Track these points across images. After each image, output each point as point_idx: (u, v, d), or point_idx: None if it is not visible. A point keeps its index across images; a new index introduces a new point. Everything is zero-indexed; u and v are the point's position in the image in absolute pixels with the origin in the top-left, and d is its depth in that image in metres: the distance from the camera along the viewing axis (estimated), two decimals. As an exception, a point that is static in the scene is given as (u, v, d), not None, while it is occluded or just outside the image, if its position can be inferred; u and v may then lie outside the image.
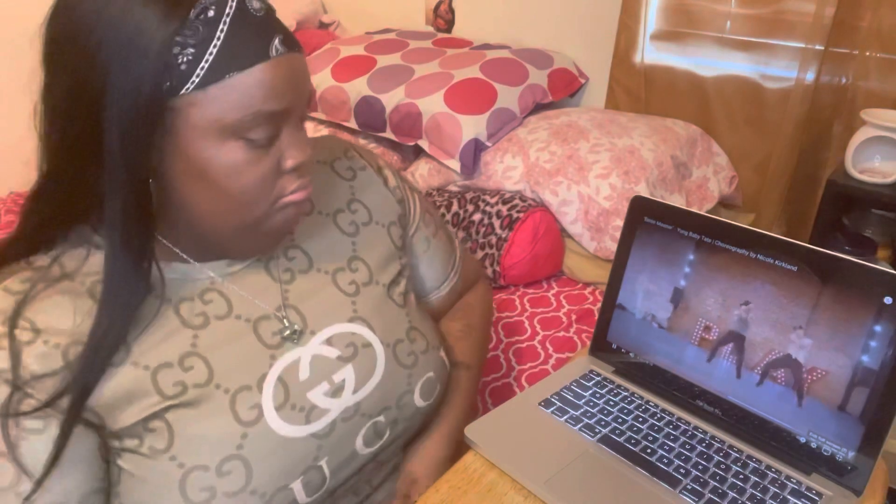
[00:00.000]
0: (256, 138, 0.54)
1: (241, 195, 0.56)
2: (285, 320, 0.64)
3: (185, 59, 0.50)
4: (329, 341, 0.66)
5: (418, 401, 0.70)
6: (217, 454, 0.57)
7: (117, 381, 0.56)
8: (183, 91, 0.51)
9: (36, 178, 0.57)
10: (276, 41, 0.54)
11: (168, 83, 0.50)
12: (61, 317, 0.55)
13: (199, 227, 0.59)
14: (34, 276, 0.56)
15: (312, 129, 1.73)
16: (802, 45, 1.38)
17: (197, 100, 0.51)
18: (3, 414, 0.53)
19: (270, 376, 0.61)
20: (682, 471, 0.63)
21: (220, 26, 0.51)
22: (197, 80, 0.51)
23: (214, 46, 0.51)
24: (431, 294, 0.84)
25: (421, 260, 0.81)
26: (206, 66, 0.51)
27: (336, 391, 0.64)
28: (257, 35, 0.53)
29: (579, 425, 0.69)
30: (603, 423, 0.69)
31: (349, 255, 0.71)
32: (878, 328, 0.59)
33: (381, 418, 0.67)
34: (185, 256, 0.62)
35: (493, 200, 1.34)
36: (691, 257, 0.70)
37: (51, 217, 0.57)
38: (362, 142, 1.66)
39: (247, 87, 0.52)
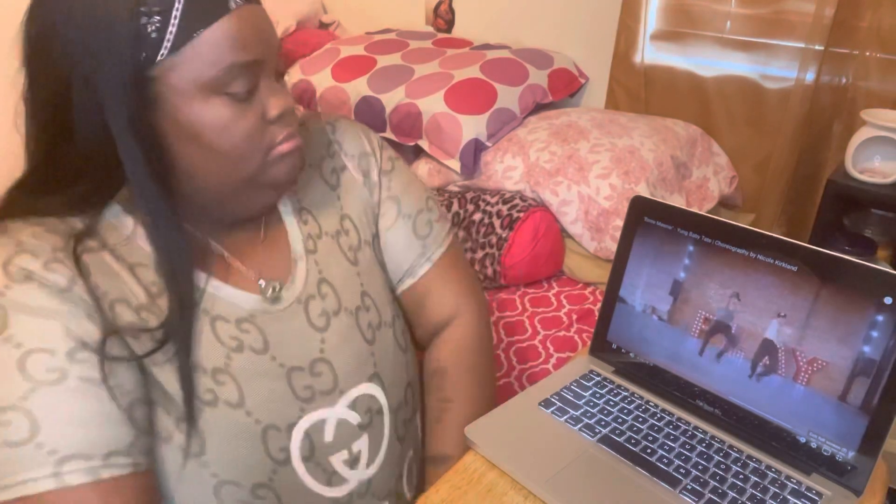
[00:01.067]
0: (237, 91, 0.56)
1: (234, 149, 0.57)
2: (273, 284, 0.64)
3: (153, 27, 0.52)
4: (353, 405, 0.65)
5: (406, 490, 0.70)
6: (251, 478, 0.57)
7: (154, 355, 0.56)
8: (159, 58, 0.53)
9: (24, 171, 0.58)
10: None
11: (144, 54, 0.52)
12: (107, 272, 0.56)
13: (203, 193, 0.59)
14: (74, 233, 0.56)
15: (312, 129, 1.73)
16: (802, 45, 1.38)
17: (174, 63, 0.53)
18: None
19: (299, 427, 0.61)
20: (682, 471, 0.63)
21: None
22: (169, 45, 0.53)
23: (177, 9, 0.53)
24: (406, 279, 0.77)
25: (386, 241, 0.76)
26: (174, 29, 0.52)
27: (353, 461, 0.64)
28: None
29: (579, 425, 0.69)
30: (603, 423, 0.69)
31: (360, 289, 0.70)
32: (877, 328, 0.59)
33: (386, 502, 0.67)
34: (241, 269, 0.63)
35: (493, 200, 1.34)
36: (691, 258, 0.70)
37: (73, 187, 0.58)
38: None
39: (216, 42, 0.54)
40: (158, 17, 0.52)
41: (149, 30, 0.52)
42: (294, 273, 0.67)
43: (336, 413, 0.64)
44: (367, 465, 0.65)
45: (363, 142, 0.78)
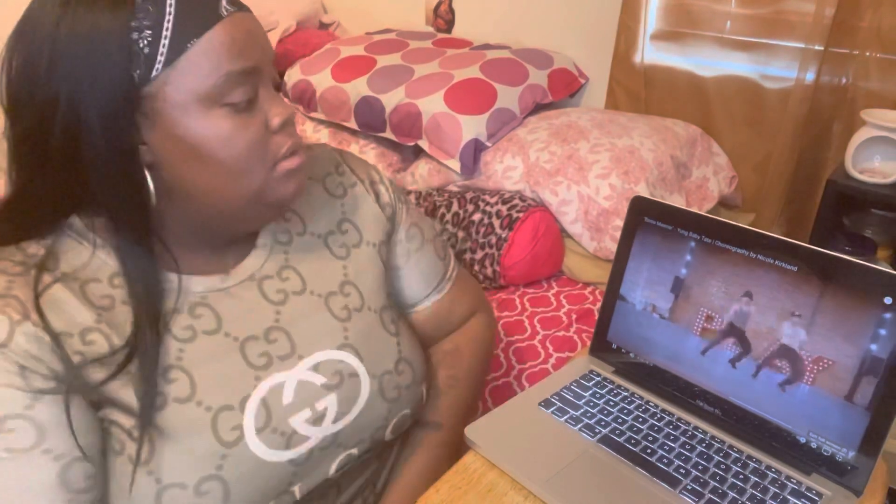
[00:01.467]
0: (236, 101, 0.55)
1: (238, 163, 0.56)
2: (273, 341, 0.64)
3: (145, 41, 0.51)
4: (316, 368, 0.65)
5: (388, 435, 0.71)
6: (196, 473, 0.57)
7: (100, 377, 0.55)
8: (154, 73, 0.52)
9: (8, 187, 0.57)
10: (224, 1, 0.55)
11: (138, 71, 0.51)
12: (56, 307, 0.55)
13: (204, 212, 0.59)
14: (28, 261, 0.56)
15: (312, 129, 1.73)
16: (802, 46, 1.38)
17: (169, 78, 0.52)
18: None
19: (254, 398, 0.61)
20: (682, 471, 0.63)
21: (168, 0, 0.52)
22: (163, 59, 0.52)
23: (168, 21, 0.52)
24: (408, 309, 0.82)
25: (398, 272, 0.79)
26: (167, 42, 0.52)
27: (317, 419, 0.64)
28: (203, 1, 0.54)
29: (579, 425, 0.69)
30: (603, 423, 0.69)
31: (341, 279, 0.71)
32: (877, 328, 0.59)
33: (355, 450, 0.68)
34: (178, 265, 0.62)
35: (493, 200, 1.34)
36: (691, 257, 0.70)
37: (39, 212, 0.57)
38: (362, 142, 1.66)
39: (210, 51, 0.53)
40: (150, 32, 0.51)
41: (141, 45, 0.51)
42: (250, 255, 0.67)
43: (296, 375, 0.64)
44: (335, 421, 0.65)
45: (373, 172, 0.79)
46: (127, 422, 0.56)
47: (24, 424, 0.52)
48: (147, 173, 0.55)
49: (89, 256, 0.58)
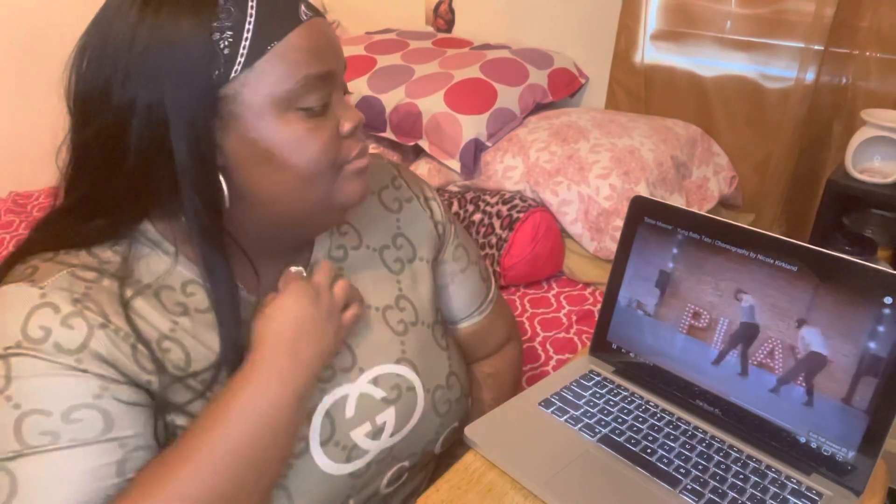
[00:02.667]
0: (311, 106, 0.55)
1: (308, 166, 0.56)
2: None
3: (226, 42, 0.51)
4: (376, 381, 0.66)
5: (438, 448, 0.71)
6: None
7: (175, 388, 0.55)
8: (233, 74, 0.52)
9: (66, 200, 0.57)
10: (303, 6, 0.56)
11: (217, 71, 0.51)
12: (134, 314, 0.54)
13: (271, 217, 0.59)
14: (103, 267, 0.55)
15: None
16: (802, 45, 1.38)
17: (248, 80, 0.52)
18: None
19: (319, 410, 0.62)
20: (682, 471, 0.63)
21: (250, 2, 0.52)
22: (242, 60, 0.52)
23: (249, 23, 0.52)
24: (449, 326, 0.82)
25: (444, 291, 0.80)
26: (248, 43, 0.52)
27: (377, 433, 0.64)
28: (284, 3, 0.54)
29: (579, 425, 0.69)
30: (603, 423, 0.69)
31: (396, 293, 0.71)
32: (877, 328, 0.59)
33: (406, 463, 0.68)
34: (257, 274, 0.62)
35: (493, 200, 1.34)
36: (690, 259, 0.70)
37: (113, 215, 0.57)
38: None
39: (290, 54, 0.53)
40: (231, 33, 0.51)
41: (221, 46, 0.51)
42: (309, 264, 0.67)
43: (357, 388, 0.64)
44: (392, 435, 0.66)
45: (426, 188, 0.80)
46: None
47: (93, 414, 0.50)
48: (220, 177, 0.55)
49: (166, 265, 0.58)
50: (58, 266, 0.54)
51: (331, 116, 0.58)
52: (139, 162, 0.53)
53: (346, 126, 0.58)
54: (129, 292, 0.55)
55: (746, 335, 0.67)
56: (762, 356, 0.66)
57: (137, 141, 0.52)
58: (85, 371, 0.51)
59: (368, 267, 0.71)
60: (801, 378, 0.63)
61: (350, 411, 0.63)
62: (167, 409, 0.55)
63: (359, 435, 0.63)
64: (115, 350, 0.52)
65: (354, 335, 0.66)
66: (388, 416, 0.65)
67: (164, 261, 0.58)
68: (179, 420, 0.56)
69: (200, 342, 0.57)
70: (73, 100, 0.55)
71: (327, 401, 0.62)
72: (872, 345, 0.59)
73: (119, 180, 0.54)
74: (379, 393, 0.65)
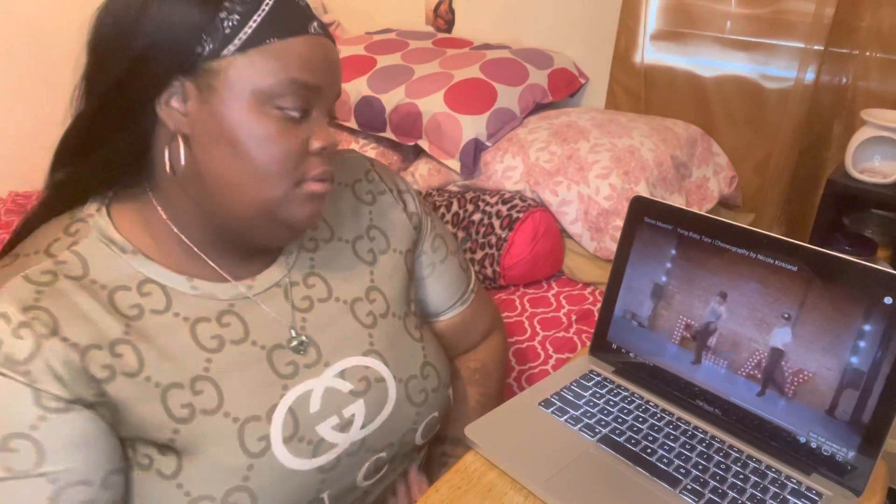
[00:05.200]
0: (289, 107, 0.56)
1: (267, 166, 0.56)
2: (297, 340, 0.64)
3: (230, 23, 0.53)
4: (342, 374, 0.65)
5: (419, 439, 0.71)
6: (223, 484, 0.57)
7: (128, 391, 0.55)
8: (224, 52, 0.54)
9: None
10: (315, 23, 0.58)
11: (210, 45, 0.53)
12: (84, 318, 0.55)
13: (220, 213, 0.59)
14: (56, 269, 0.56)
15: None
16: (802, 45, 1.38)
17: (236, 62, 0.54)
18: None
19: (281, 407, 0.61)
20: (682, 471, 0.63)
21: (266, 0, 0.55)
22: (238, 44, 0.54)
23: (259, 15, 0.54)
24: (432, 318, 0.83)
25: (423, 282, 0.80)
26: (249, 31, 0.54)
27: (345, 425, 0.64)
28: (298, 13, 0.57)
29: (579, 425, 0.69)
30: (603, 423, 0.69)
31: (367, 284, 0.71)
32: (877, 328, 0.59)
33: (384, 454, 0.68)
34: (213, 266, 0.62)
35: (492, 200, 1.34)
36: (689, 259, 0.70)
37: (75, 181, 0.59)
38: (362, 142, 1.66)
39: (284, 55, 0.55)
40: (237, 17, 0.53)
41: (225, 24, 0.53)
42: (275, 262, 0.67)
43: (323, 382, 0.64)
44: (363, 427, 0.65)
45: (399, 182, 0.80)
46: (155, 437, 0.56)
47: (26, 445, 0.51)
48: (180, 142, 0.56)
49: (122, 264, 0.58)
50: (12, 271, 0.54)
51: (305, 129, 0.58)
52: (101, 104, 0.56)
53: (316, 144, 0.59)
54: (82, 295, 0.55)
55: (746, 335, 0.67)
56: (762, 356, 0.66)
57: (115, 84, 0.55)
58: (32, 384, 0.51)
59: (340, 259, 0.71)
60: (800, 377, 0.63)
61: (315, 406, 0.63)
62: (121, 415, 0.55)
63: (325, 429, 0.63)
64: (63, 360, 0.52)
65: (320, 330, 0.66)
66: (356, 409, 0.65)
67: (120, 259, 0.58)
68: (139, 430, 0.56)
69: (154, 346, 0.57)
70: (93, 43, 0.57)
71: (290, 397, 0.62)
72: (872, 346, 0.59)
73: (86, 127, 0.57)
74: (346, 386, 0.65)
